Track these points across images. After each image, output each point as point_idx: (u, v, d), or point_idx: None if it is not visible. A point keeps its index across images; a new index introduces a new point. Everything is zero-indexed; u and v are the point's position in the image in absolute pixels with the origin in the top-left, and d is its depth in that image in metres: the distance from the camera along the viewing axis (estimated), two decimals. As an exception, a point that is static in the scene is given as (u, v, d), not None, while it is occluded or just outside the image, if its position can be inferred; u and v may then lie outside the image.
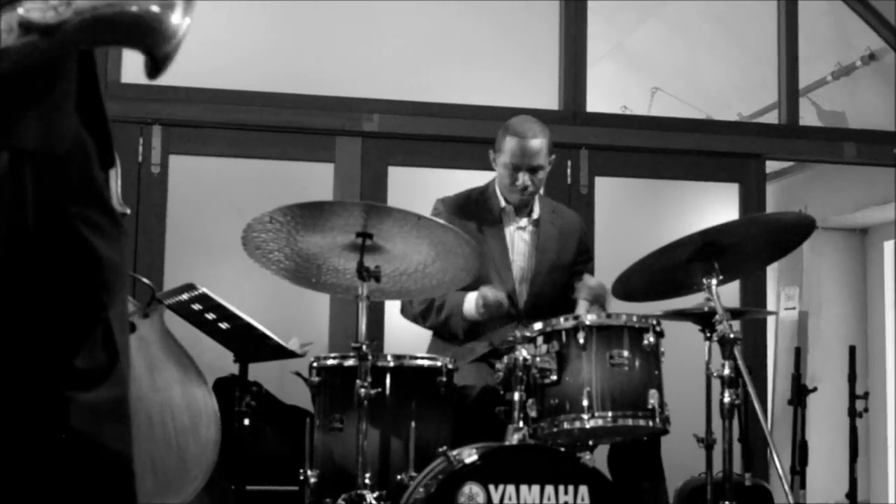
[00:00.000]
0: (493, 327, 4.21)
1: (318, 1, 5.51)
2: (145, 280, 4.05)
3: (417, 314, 4.33)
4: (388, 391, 3.62)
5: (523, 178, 4.24)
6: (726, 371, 3.42)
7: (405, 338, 4.49)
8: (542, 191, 4.51)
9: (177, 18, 1.50)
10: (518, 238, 4.37)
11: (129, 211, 3.89)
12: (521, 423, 3.47)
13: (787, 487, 3.36)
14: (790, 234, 3.80)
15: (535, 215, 4.39)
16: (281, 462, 4.51)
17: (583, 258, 4.48)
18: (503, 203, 4.36)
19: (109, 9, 1.48)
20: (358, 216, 3.43)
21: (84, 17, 1.48)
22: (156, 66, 1.52)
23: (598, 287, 4.16)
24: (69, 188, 1.53)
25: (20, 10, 1.46)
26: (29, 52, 1.46)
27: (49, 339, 1.67)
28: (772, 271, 7.54)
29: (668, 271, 3.69)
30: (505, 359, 3.55)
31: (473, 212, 4.35)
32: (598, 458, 3.60)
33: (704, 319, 3.85)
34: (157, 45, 1.51)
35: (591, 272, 4.46)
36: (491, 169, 4.44)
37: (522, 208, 4.38)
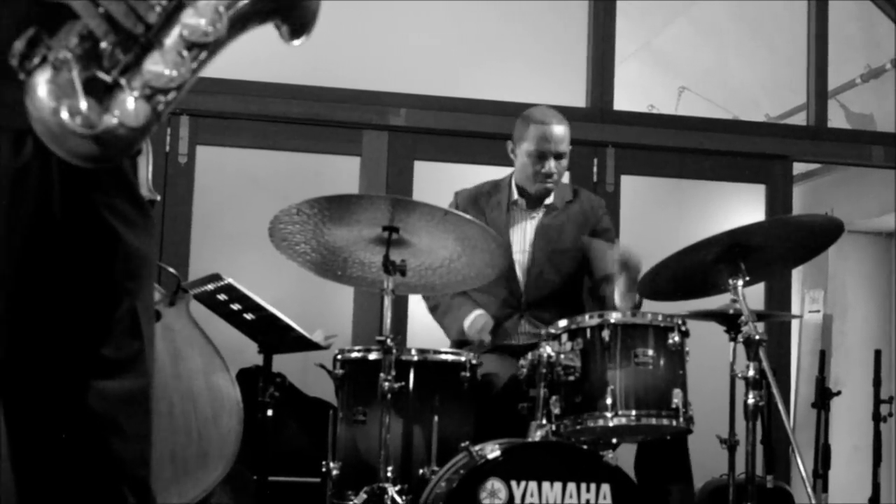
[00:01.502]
0: (500, 320, 4.21)
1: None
2: (171, 269, 4.06)
3: (432, 306, 4.36)
4: (411, 385, 3.62)
5: (549, 164, 4.22)
6: (750, 372, 3.41)
7: (428, 332, 4.49)
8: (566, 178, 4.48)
9: None
10: (529, 229, 4.33)
11: (158, 197, 3.89)
12: (543, 420, 3.46)
13: (809, 490, 3.35)
14: (817, 236, 3.78)
15: (549, 201, 4.35)
16: (303, 454, 4.52)
17: (600, 232, 4.37)
18: (515, 196, 4.34)
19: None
20: (384, 210, 3.44)
21: (233, 15, 1.52)
22: (298, 31, 1.59)
23: (626, 254, 3.90)
24: (96, 176, 1.53)
25: (179, 37, 1.49)
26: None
27: (76, 326, 1.67)
28: (796, 274, 7.50)
29: (693, 271, 3.68)
30: (529, 355, 3.54)
31: (482, 203, 4.35)
32: (622, 457, 3.59)
33: (730, 320, 3.84)
34: (301, 13, 1.59)
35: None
36: (511, 164, 4.43)
37: (539, 199, 4.34)
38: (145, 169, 3.80)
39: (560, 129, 4.25)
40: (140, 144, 1.51)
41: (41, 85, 1.46)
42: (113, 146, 1.47)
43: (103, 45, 1.48)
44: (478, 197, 4.39)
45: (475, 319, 4.12)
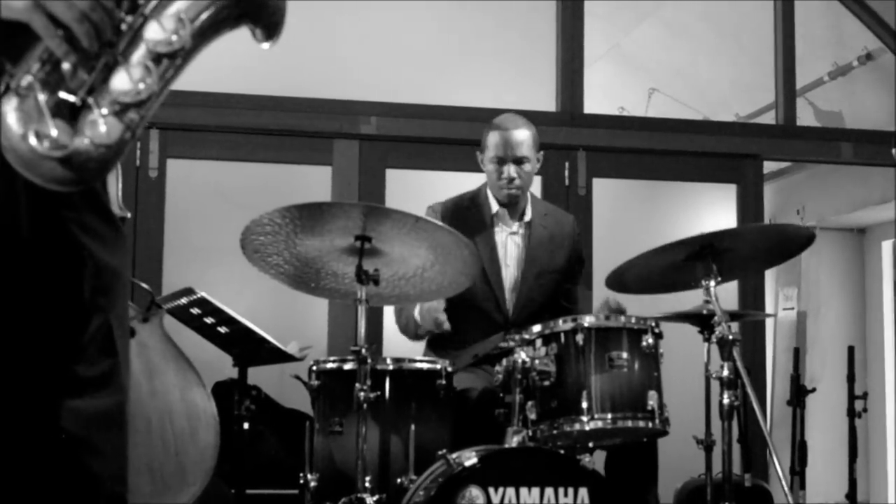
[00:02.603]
0: (478, 337, 4.17)
1: (314, 2, 5.51)
2: (144, 285, 4.05)
3: (395, 317, 4.35)
4: (387, 394, 3.61)
5: (508, 169, 4.22)
6: (725, 372, 3.42)
7: (403, 342, 4.48)
8: (538, 193, 4.50)
9: None
10: (511, 243, 4.34)
11: (129, 215, 3.88)
12: (520, 426, 3.46)
13: (786, 488, 3.36)
14: (788, 243, 3.80)
15: (528, 218, 4.36)
16: (281, 466, 4.51)
17: (576, 267, 4.45)
18: (495, 207, 4.33)
19: (215, 2, 1.53)
20: (357, 218, 3.42)
21: (197, 26, 1.52)
22: (270, 32, 1.60)
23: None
24: (64, 193, 1.52)
25: (144, 49, 1.49)
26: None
27: (47, 344, 1.66)
28: (770, 272, 7.54)
29: (665, 270, 3.69)
30: (504, 361, 3.54)
31: (464, 217, 4.30)
32: (598, 460, 3.59)
33: (703, 321, 3.85)
34: (268, 13, 1.59)
35: (580, 277, 4.46)
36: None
37: (514, 209, 4.34)
38: (115, 186, 3.79)
39: (519, 134, 4.26)
40: (115, 162, 1.50)
41: (8, 114, 1.45)
42: (87, 167, 1.46)
43: (65, 66, 1.48)
44: (459, 209, 4.36)
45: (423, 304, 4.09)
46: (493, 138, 4.27)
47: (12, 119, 1.45)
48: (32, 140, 1.44)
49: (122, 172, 4.61)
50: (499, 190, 4.29)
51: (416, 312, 4.13)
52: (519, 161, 4.24)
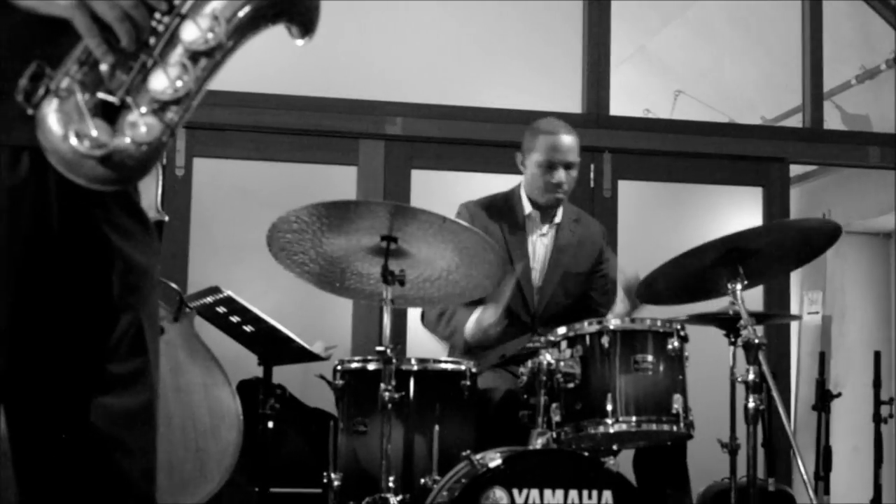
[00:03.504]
0: (506, 337, 4.16)
1: (342, 2, 5.52)
2: (173, 285, 4.06)
3: (432, 321, 4.31)
4: (411, 395, 3.62)
5: (559, 174, 4.23)
6: (751, 376, 3.41)
7: (427, 342, 4.49)
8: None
9: None
10: (539, 245, 4.35)
11: (167, 218, 3.91)
12: (544, 428, 3.46)
13: (811, 492, 3.34)
14: (815, 240, 3.79)
15: (558, 219, 4.37)
16: (304, 465, 4.52)
17: (597, 273, 4.44)
18: (528, 209, 4.34)
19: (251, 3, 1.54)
20: (383, 217, 3.43)
21: (234, 24, 1.53)
22: (306, 29, 1.60)
23: (632, 278, 4.03)
24: (94, 191, 1.54)
25: (181, 48, 1.50)
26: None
27: (78, 342, 1.67)
28: (795, 276, 7.50)
29: (692, 275, 3.68)
30: (529, 363, 3.54)
31: (498, 216, 4.33)
32: (623, 462, 3.59)
33: (729, 324, 3.84)
34: (304, 10, 1.60)
35: (606, 288, 4.44)
36: (514, 172, 4.43)
37: (548, 212, 4.35)
38: (155, 190, 3.81)
39: (569, 139, 4.27)
40: (156, 161, 1.52)
41: (49, 115, 1.47)
42: (127, 166, 1.48)
43: (103, 67, 1.49)
44: (494, 208, 4.36)
45: (476, 319, 4.05)
46: (542, 142, 4.27)
47: (53, 120, 1.47)
48: (73, 140, 1.46)
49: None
50: (542, 194, 4.28)
51: (472, 325, 4.06)
52: (568, 166, 4.26)
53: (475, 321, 4.06)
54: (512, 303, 4.20)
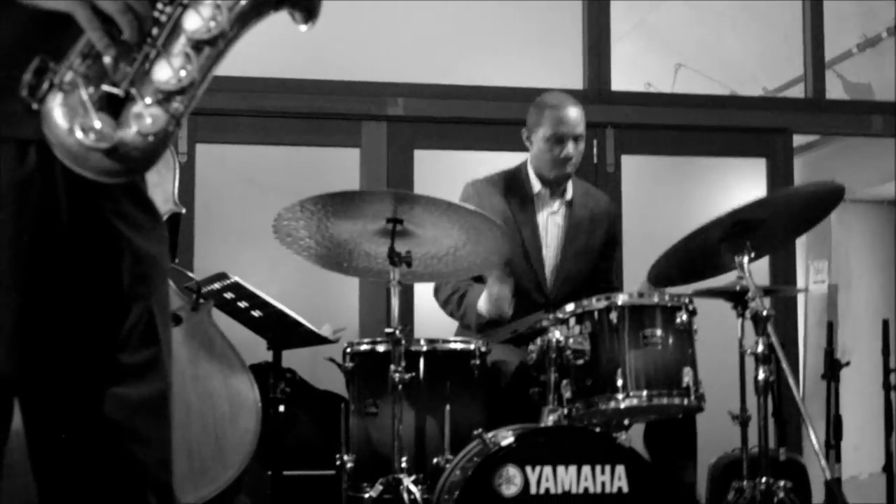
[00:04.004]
0: (518, 316, 4.17)
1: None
2: (191, 274, 4.06)
3: (444, 300, 4.32)
4: (421, 375, 3.63)
5: (567, 148, 4.22)
6: (760, 348, 3.43)
7: (436, 322, 4.49)
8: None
9: None
10: (551, 223, 4.34)
11: (184, 210, 3.91)
12: (555, 405, 3.47)
13: (822, 461, 3.35)
14: (819, 204, 3.78)
15: (569, 196, 4.37)
16: (317, 447, 4.53)
17: (611, 250, 4.46)
18: (537, 187, 4.33)
19: None
20: (388, 203, 3.44)
21: (236, 12, 1.53)
22: (309, 15, 1.60)
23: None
24: (102, 183, 1.54)
25: (184, 37, 1.51)
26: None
27: (90, 333, 1.67)
28: (800, 245, 7.50)
29: (699, 254, 3.68)
30: (538, 340, 3.55)
31: (507, 193, 4.33)
32: (634, 437, 3.60)
33: (737, 297, 3.83)
34: None
35: (612, 266, 4.46)
36: (518, 149, 4.43)
37: (556, 188, 4.34)
38: (171, 182, 3.82)
39: (575, 112, 4.26)
40: (163, 151, 1.52)
41: (54, 110, 1.48)
42: (134, 157, 1.49)
43: (106, 59, 1.49)
44: (499, 184, 4.35)
45: (485, 293, 4.06)
46: (549, 116, 4.26)
47: (58, 114, 1.47)
48: (79, 134, 1.46)
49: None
50: (551, 168, 4.27)
51: (483, 303, 4.07)
52: (576, 139, 4.25)
53: (486, 297, 4.06)
54: (524, 283, 4.20)
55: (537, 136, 4.28)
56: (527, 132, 4.34)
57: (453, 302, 4.25)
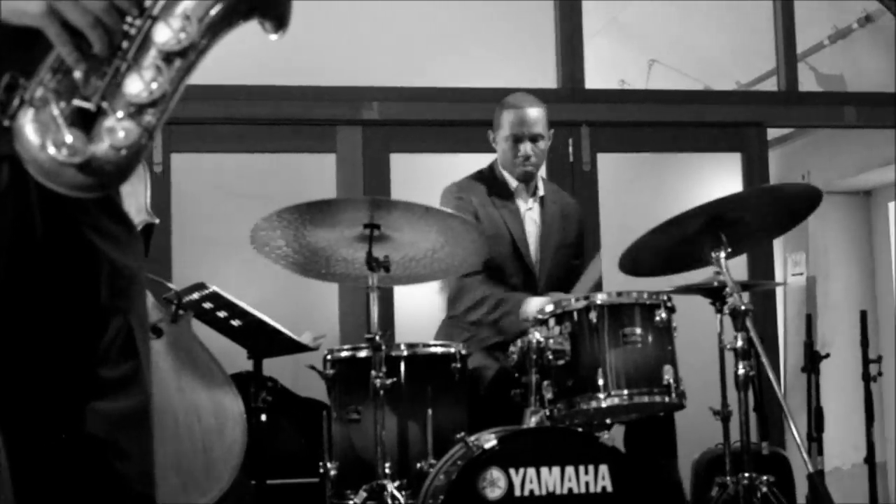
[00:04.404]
0: None
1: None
2: (171, 285, 4.05)
3: (468, 307, 4.20)
4: (402, 380, 3.63)
5: (525, 147, 4.26)
6: (739, 343, 3.44)
7: (415, 327, 4.49)
8: (544, 169, 4.53)
9: None
10: (528, 218, 4.38)
11: (157, 220, 3.90)
12: (537, 406, 3.48)
13: (804, 454, 3.36)
14: (796, 205, 3.80)
15: (541, 193, 4.40)
16: (300, 455, 4.53)
17: (580, 246, 4.50)
18: (514, 184, 4.36)
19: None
20: (364, 210, 3.44)
21: (206, 23, 1.53)
22: (279, 24, 1.61)
23: None
24: (77, 198, 1.53)
25: (154, 50, 1.50)
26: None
27: (68, 348, 1.67)
28: (777, 238, 7.53)
29: (675, 245, 3.69)
30: (518, 342, 3.55)
31: (488, 190, 4.36)
32: (617, 436, 3.61)
33: (715, 293, 3.85)
34: (274, 4, 1.60)
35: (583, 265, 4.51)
36: (492, 150, 4.44)
37: (528, 186, 4.37)
38: (143, 193, 3.80)
39: (534, 112, 4.29)
40: (136, 164, 1.51)
41: (25, 126, 1.47)
42: (107, 171, 1.48)
43: (77, 74, 1.49)
44: (479, 183, 4.37)
45: (543, 302, 3.95)
46: (508, 116, 4.31)
47: (30, 130, 1.47)
48: (51, 149, 1.46)
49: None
50: (514, 168, 4.33)
51: (532, 310, 3.90)
52: (535, 138, 4.29)
53: (538, 302, 3.98)
54: (516, 278, 4.22)
55: (500, 137, 4.35)
56: (492, 133, 4.40)
57: (485, 305, 4.14)
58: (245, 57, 5.31)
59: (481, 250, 3.68)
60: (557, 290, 4.23)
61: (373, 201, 3.47)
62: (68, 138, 1.46)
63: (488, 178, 4.40)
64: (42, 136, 1.46)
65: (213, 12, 1.54)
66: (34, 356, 1.66)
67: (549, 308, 3.69)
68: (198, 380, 3.84)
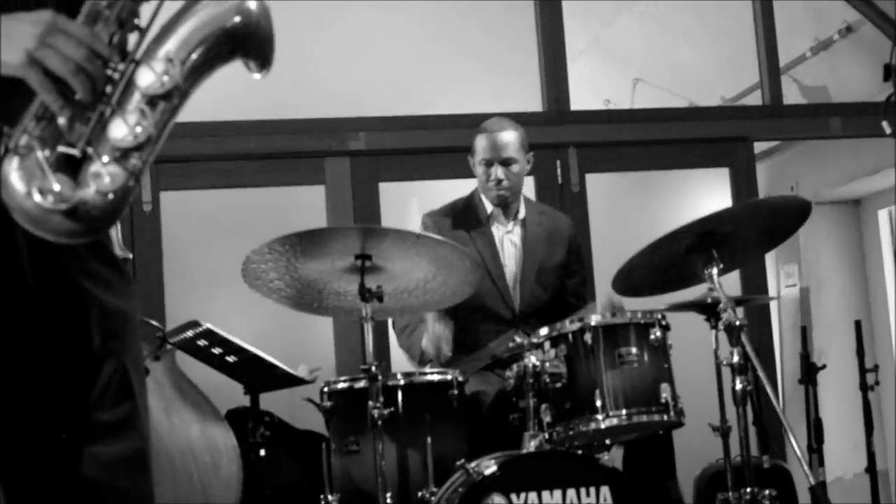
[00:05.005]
0: (489, 334, 4.21)
1: (293, 22, 5.51)
2: (154, 322, 4.05)
3: (398, 332, 4.37)
4: (400, 409, 3.62)
5: (496, 171, 4.27)
6: (735, 358, 3.45)
7: (412, 354, 4.49)
8: (531, 193, 4.53)
9: (253, 6, 1.59)
10: (507, 241, 4.37)
11: (131, 255, 3.89)
12: (536, 429, 3.47)
13: (805, 467, 3.36)
14: (785, 217, 3.81)
15: (522, 215, 4.40)
16: (300, 488, 4.50)
17: (575, 266, 4.46)
18: (490, 208, 4.37)
19: (204, 40, 1.54)
20: (355, 239, 3.44)
21: (189, 65, 1.53)
22: (263, 63, 1.61)
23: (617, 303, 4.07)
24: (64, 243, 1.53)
25: (138, 94, 1.51)
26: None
27: (62, 394, 1.66)
28: (769, 251, 7.54)
29: (667, 263, 3.70)
30: (514, 367, 3.55)
31: (461, 220, 4.37)
32: (617, 456, 3.60)
33: (709, 309, 3.85)
34: (257, 45, 1.61)
35: (583, 281, 4.48)
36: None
37: (507, 210, 4.37)
38: (114, 229, 3.79)
39: (505, 136, 4.30)
40: (123, 208, 1.51)
41: (11, 174, 1.47)
42: (93, 217, 1.48)
43: (61, 120, 1.49)
44: (454, 213, 4.40)
45: (429, 330, 4.09)
46: (480, 142, 4.33)
47: (15, 178, 1.47)
48: (37, 197, 1.46)
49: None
50: (488, 192, 4.34)
51: (425, 341, 4.12)
52: (506, 162, 4.28)
53: (427, 335, 4.09)
54: (490, 301, 4.22)
55: (475, 161, 4.37)
56: (471, 159, 4.41)
57: (404, 335, 4.29)
58: (230, 93, 5.32)
59: (473, 279, 3.67)
60: (546, 311, 4.20)
61: (363, 230, 3.48)
62: (54, 185, 1.46)
63: (461, 207, 4.42)
64: (28, 183, 1.46)
65: (195, 55, 1.54)
66: (28, 402, 1.65)
67: (426, 345, 3.96)
68: (189, 417, 3.84)
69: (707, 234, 3.57)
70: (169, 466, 3.69)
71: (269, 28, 1.62)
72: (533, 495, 3.25)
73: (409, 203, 5.50)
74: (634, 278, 3.77)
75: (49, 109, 1.49)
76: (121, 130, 1.49)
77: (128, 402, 1.71)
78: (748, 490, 3.52)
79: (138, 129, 1.49)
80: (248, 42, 1.60)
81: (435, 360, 4.10)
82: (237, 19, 1.58)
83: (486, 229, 4.35)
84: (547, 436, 3.47)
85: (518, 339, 3.67)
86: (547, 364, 3.51)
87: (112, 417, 1.68)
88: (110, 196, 1.48)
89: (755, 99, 6.54)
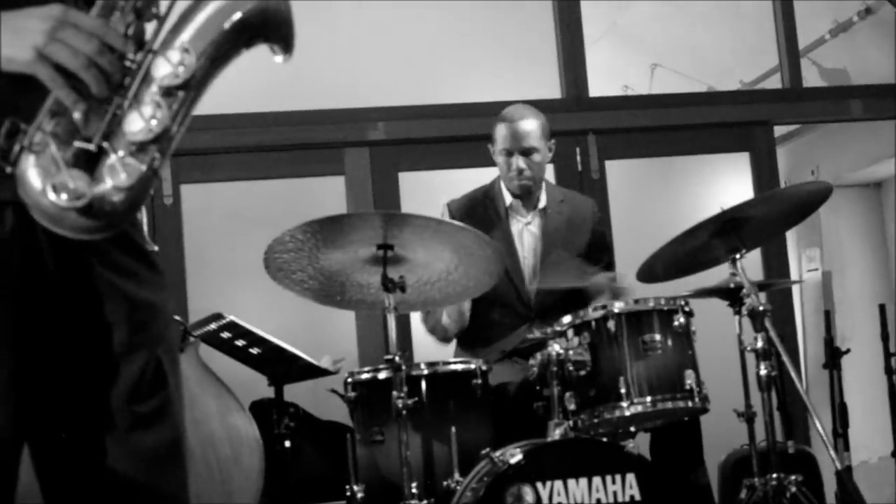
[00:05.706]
0: (505, 332, 4.20)
1: (310, 12, 5.50)
2: (176, 316, 4.06)
3: (422, 319, 4.40)
4: (424, 399, 3.61)
5: (517, 161, 4.23)
6: (759, 344, 3.44)
7: (433, 345, 4.48)
8: (553, 180, 4.50)
9: None
10: (526, 234, 4.33)
11: (156, 248, 3.90)
12: (560, 418, 3.47)
13: (831, 451, 3.35)
14: (808, 201, 3.79)
15: (542, 205, 4.36)
16: (325, 479, 4.51)
17: (597, 253, 4.38)
18: (509, 199, 4.33)
19: (221, 28, 1.53)
20: (377, 226, 3.43)
21: (206, 53, 1.52)
22: (285, 46, 1.60)
23: (603, 286, 4.07)
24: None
25: (154, 85, 1.49)
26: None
27: (94, 387, 1.66)
28: (791, 235, 7.51)
29: (689, 253, 3.69)
30: (538, 355, 3.54)
31: (479, 212, 4.32)
32: (642, 443, 3.59)
33: (732, 294, 3.84)
34: (276, 29, 1.59)
35: (606, 269, 4.37)
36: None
37: (528, 199, 4.34)
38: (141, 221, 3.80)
39: (526, 125, 4.25)
40: (142, 202, 1.51)
41: (27, 171, 1.46)
42: (109, 212, 1.47)
43: (76, 115, 1.48)
44: (473, 206, 4.36)
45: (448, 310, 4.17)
46: (500, 131, 4.29)
47: (32, 176, 1.46)
48: (51, 194, 1.45)
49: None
50: (510, 182, 4.30)
51: (445, 316, 4.17)
52: (527, 152, 4.25)
53: (446, 312, 4.16)
54: (506, 295, 4.20)
55: (496, 151, 4.33)
56: (491, 147, 4.37)
57: (429, 319, 4.32)
58: (246, 85, 5.35)
59: (495, 269, 3.64)
60: (567, 302, 4.17)
61: (385, 215, 3.45)
62: (70, 182, 1.45)
63: (482, 198, 4.39)
64: (44, 180, 1.45)
65: (212, 44, 1.53)
66: (58, 396, 1.65)
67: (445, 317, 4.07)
68: (211, 409, 3.84)
69: (729, 221, 3.56)
70: (189, 459, 3.70)
71: (287, 11, 1.61)
72: (559, 483, 3.24)
73: (429, 192, 5.48)
74: (657, 269, 3.76)
75: (63, 105, 1.49)
76: (136, 123, 1.48)
77: (161, 392, 1.71)
78: (774, 476, 3.51)
79: (153, 122, 1.48)
80: (268, 27, 1.59)
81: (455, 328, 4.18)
82: (254, 5, 1.57)
83: (504, 223, 4.31)
84: (572, 424, 3.46)
85: (530, 336, 3.68)
86: (571, 352, 3.50)
87: (147, 409, 1.68)
88: (125, 191, 1.47)
89: (775, 82, 6.51)
